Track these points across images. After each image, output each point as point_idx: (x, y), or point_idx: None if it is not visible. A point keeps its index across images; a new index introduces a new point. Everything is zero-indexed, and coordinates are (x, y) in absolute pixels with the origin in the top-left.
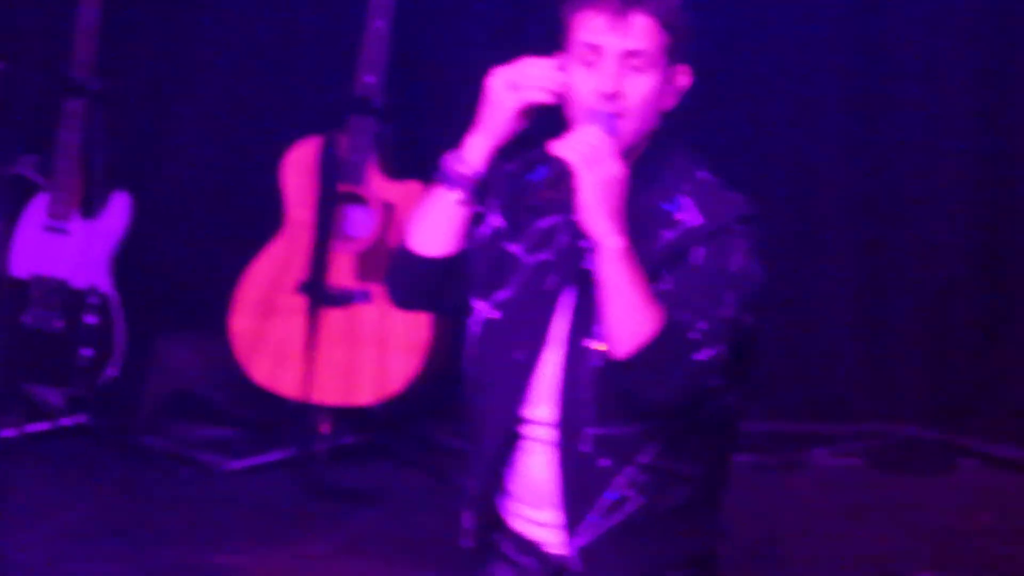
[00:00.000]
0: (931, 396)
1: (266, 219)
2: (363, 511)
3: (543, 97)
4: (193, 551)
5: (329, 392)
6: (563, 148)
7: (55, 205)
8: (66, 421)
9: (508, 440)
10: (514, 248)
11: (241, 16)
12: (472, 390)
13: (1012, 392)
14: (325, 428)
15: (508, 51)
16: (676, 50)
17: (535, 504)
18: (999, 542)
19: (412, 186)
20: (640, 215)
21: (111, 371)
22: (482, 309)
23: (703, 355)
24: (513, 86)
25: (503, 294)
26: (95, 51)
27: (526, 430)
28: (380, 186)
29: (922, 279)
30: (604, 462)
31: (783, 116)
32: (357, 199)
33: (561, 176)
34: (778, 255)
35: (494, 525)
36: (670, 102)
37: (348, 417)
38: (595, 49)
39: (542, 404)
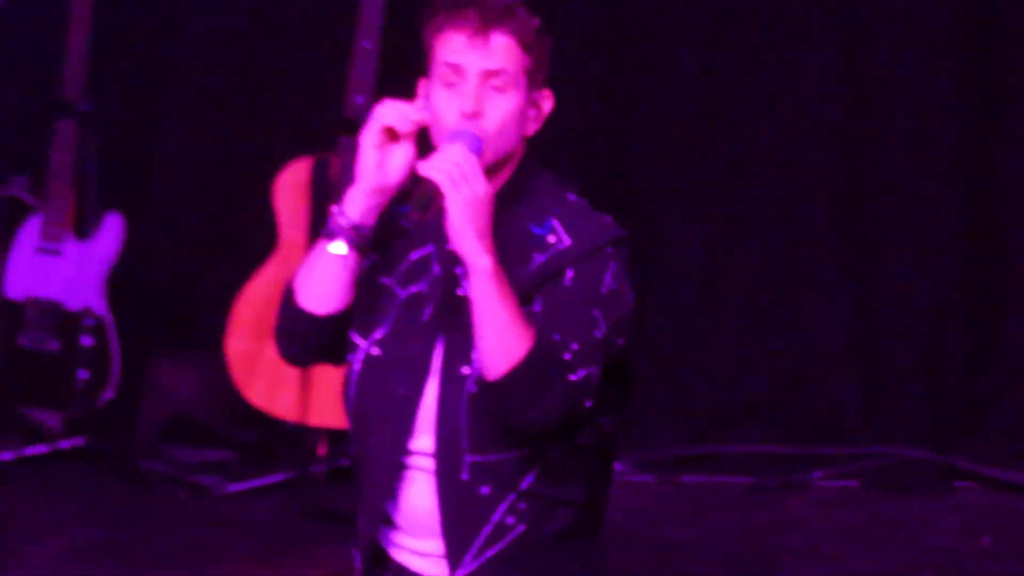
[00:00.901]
0: (927, 417)
1: (260, 240)
2: None
3: (402, 129)
4: (191, 574)
5: (325, 414)
6: (428, 168)
7: (48, 227)
8: (64, 444)
9: (394, 473)
10: (387, 281)
11: (230, 37)
12: (356, 427)
13: (1008, 413)
14: (322, 450)
15: None
16: (537, 73)
17: (418, 535)
18: (997, 563)
19: None
20: (512, 239)
21: (108, 393)
22: (362, 345)
23: (576, 376)
24: (371, 130)
25: (380, 331)
26: (86, 72)
27: (410, 461)
28: None
29: (916, 301)
30: (484, 490)
31: (773, 136)
32: None
33: (429, 198)
34: (770, 278)
35: (379, 560)
36: (534, 126)
37: (345, 439)
38: (456, 69)
39: (423, 435)
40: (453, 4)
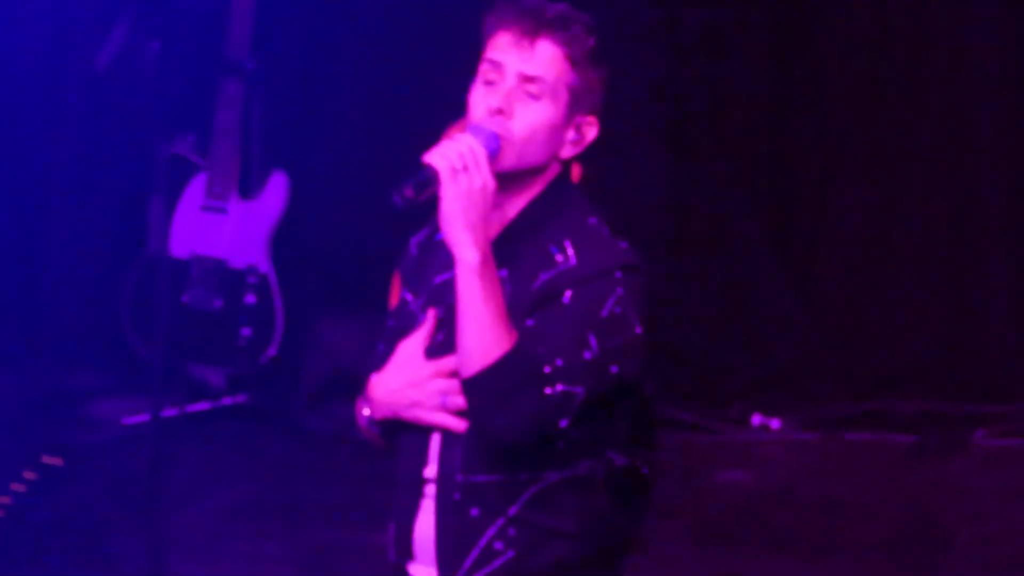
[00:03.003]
0: None
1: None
2: None
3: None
4: (351, 531)
5: None
6: (432, 154)
7: (213, 185)
8: (227, 400)
9: (411, 502)
10: (414, 305)
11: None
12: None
13: None
14: None
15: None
16: (584, 94)
17: (423, 561)
18: None
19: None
20: (528, 256)
21: (271, 350)
22: None
23: (553, 390)
24: None
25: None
26: (250, 31)
27: (423, 490)
28: None
29: None
30: (474, 512)
31: (939, 99)
32: None
33: (426, 182)
34: (935, 238)
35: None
36: (571, 150)
37: None
38: (496, 66)
39: (432, 461)
40: (512, 7)
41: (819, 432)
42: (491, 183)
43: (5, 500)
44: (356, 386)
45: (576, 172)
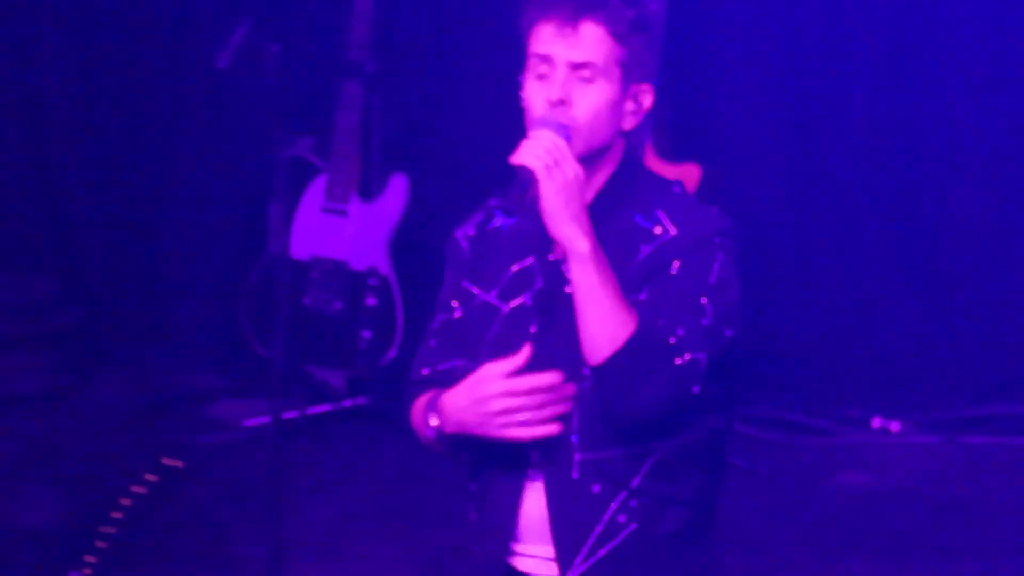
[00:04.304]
0: None
1: None
2: None
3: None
4: (469, 535)
5: None
6: (521, 156)
7: (333, 187)
8: (347, 403)
9: (514, 487)
10: (489, 297)
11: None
12: (476, 444)
13: None
14: None
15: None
16: (635, 65)
17: (530, 540)
18: None
19: (689, 168)
20: (618, 232)
21: (391, 353)
22: (471, 367)
23: (682, 359)
24: None
25: (485, 350)
26: (370, 33)
27: (526, 473)
28: (657, 167)
29: None
30: (595, 488)
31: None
32: None
33: (526, 186)
34: None
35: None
36: (632, 121)
37: None
38: (545, 59)
39: (536, 445)
40: None
41: (940, 435)
42: (581, 171)
43: (127, 502)
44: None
45: (695, 174)
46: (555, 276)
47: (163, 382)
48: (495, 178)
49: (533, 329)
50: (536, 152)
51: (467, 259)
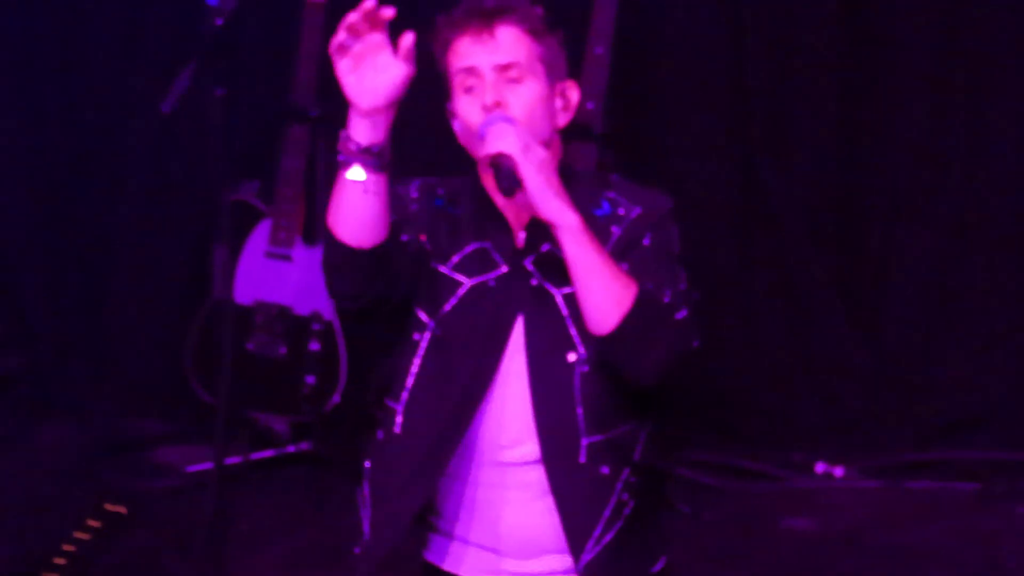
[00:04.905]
0: None
1: None
2: None
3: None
4: None
5: None
6: (495, 144)
7: (277, 232)
8: (291, 448)
9: (493, 491)
10: (443, 269)
11: None
12: (412, 406)
13: None
14: None
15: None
16: (555, 62)
17: (515, 552)
18: None
19: None
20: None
21: (335, 398)
22: (428, 323)
23: (680, 314)
24: (333, 42)
25: (444, 311)
26: (316, 77)
27: (509, 474)
28: None
29: None
30: (604, 469)
31: (1005, 144)
32: None
33: (510, 174)
34: (1000, 285)
35: None
36: (565, 117)
37: None
38: (470, 71)
39: (524, 443)
40: (455, 14)
41: (883, 480)
42: (546, 150)
43: (70, 548)
44: None
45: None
46: (519, 267)
47: (106, 427)
48: None
49: (495, 312)
50: (507, 137)
51: (416, 211)
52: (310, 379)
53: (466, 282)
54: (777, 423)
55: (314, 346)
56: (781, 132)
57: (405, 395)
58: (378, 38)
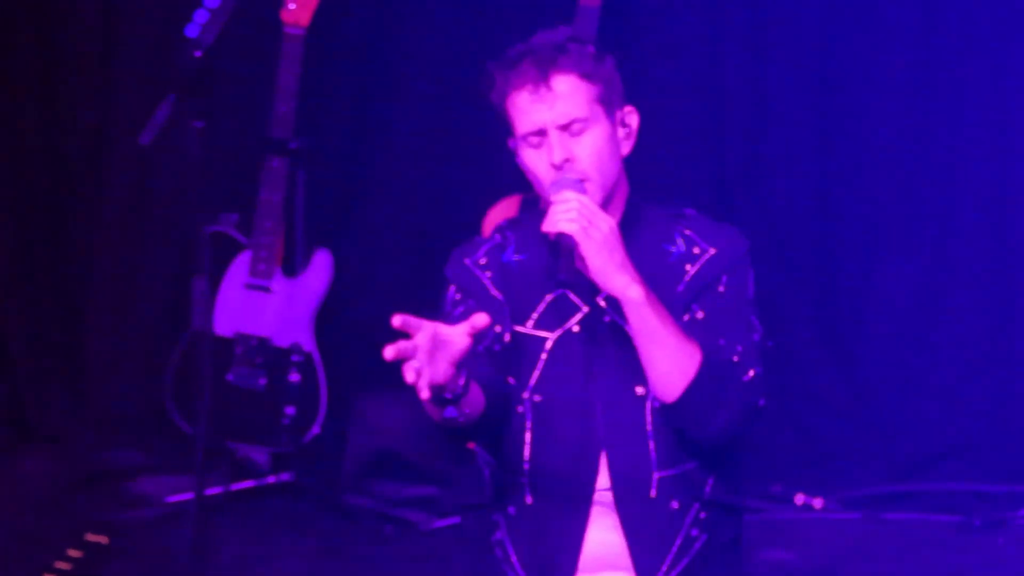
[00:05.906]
0: None
1: None
2: None
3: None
4: None
5: None
6: (556, 223)
7: (257, 263)
8: (271, 479)
9: (578, 516)
10: (526, 329)
11: (434, 75)
12: (533, 474)
13: None
14: None
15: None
16: (611, 94)
17: (595, 569)
18: None
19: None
20: (647, 261)
21: (315, 429)
22: (524, 395)
23: (747, 376)
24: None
25: (534, 377)
26: (294, 109)
27: (594, 499)
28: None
29: None
30: (674, 504)
31: (984, 175)
32: None
33: (571, 252)
34: (977, 316)
35: None
36: (628, 145)
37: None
38: (536, 133)
39: (603, 470)
40: (507, 61)
41: (862, 511)
42: (613, 222)
43: None
44: (400, 464)
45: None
46: (596, 306)
47: (86, 458)
48: (418, 254)
49: (581, 354)
50: (568, 216)
51: (485, 287)
52: (290, 410)
53: (550, 336)
54: (756, 455)
55: (294, 377)
56: (756, 163)
57: (527, 467)
58: (423, 338)
